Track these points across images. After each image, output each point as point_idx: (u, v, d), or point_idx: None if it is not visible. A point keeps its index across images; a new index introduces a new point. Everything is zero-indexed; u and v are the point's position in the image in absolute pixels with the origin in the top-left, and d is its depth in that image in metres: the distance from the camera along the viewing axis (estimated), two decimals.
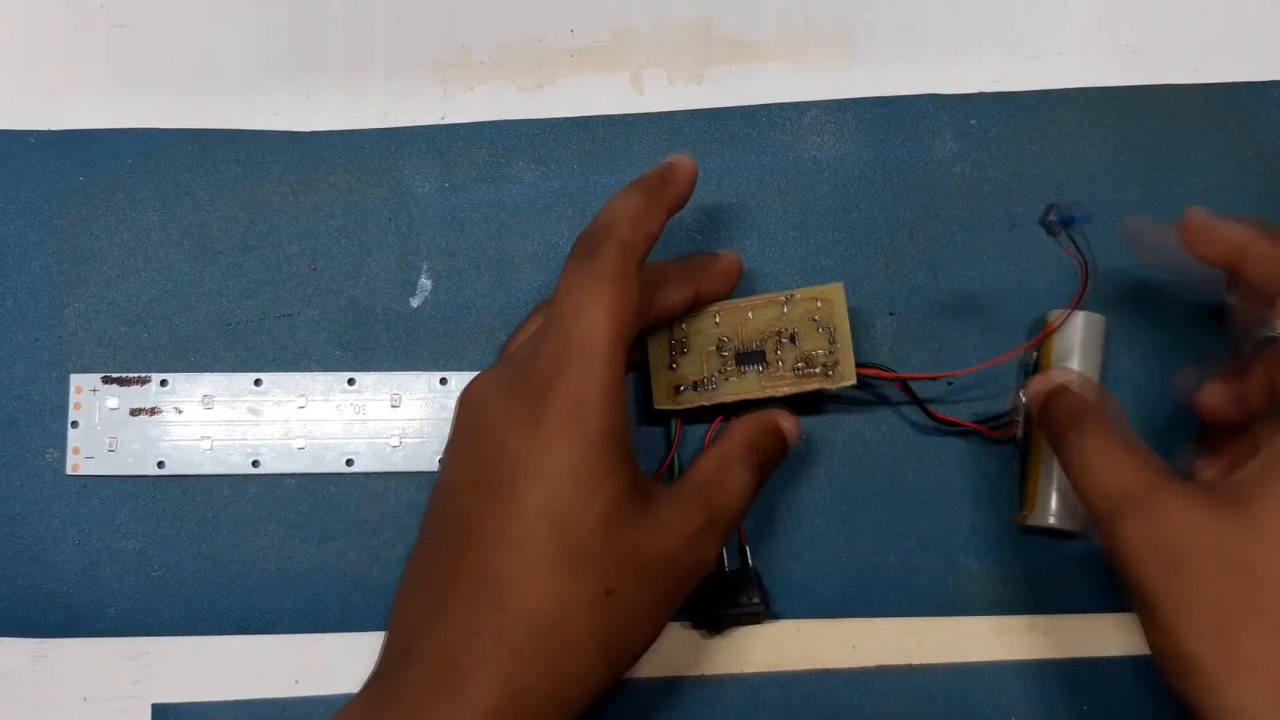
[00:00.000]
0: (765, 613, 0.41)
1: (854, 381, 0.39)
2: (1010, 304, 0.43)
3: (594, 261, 0.34)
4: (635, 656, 0.35)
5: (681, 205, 0.37)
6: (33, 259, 0.44)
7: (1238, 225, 0.36)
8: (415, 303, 0.44)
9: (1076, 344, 0.41)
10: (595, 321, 0.33)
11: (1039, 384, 0.39)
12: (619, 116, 0.44)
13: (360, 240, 0.44)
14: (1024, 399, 0.40)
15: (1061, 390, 0.38)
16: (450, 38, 0.45)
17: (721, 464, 0.37)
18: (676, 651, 0.42)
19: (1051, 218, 0.37)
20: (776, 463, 0.39)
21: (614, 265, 0.34)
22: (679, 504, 0.35)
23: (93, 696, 0.42)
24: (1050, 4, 0.45)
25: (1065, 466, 0.36)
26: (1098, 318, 0.41)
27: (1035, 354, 0.41)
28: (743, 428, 0.38)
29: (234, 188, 0.44)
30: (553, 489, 0.33)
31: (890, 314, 0.43)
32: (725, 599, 0.40)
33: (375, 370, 0.43)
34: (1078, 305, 0.39)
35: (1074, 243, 0.38)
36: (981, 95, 0.44)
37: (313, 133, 0.44)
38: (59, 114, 0.45)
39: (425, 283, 0.44)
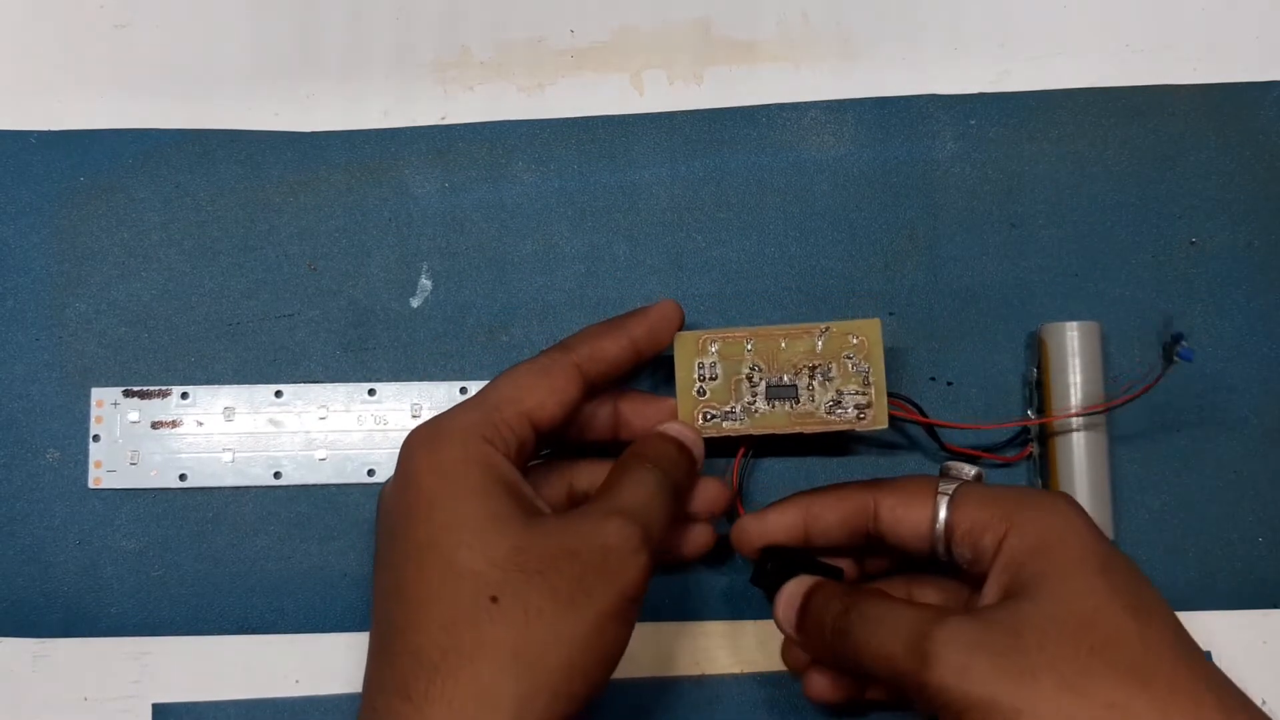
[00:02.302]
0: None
1: (885, 426, 0.39)
2: (1010, 304, 0.43)
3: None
4: (571, 673, 0.32)
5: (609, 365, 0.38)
6: (33, 259, 0.44)
7: (779, 510, 0.38)
8: (415, 303, 0.44)
9: (1074, 354, 0.41)
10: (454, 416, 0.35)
11: (791, 589, 0.37)
12: (619, 117, 0.44)
13: (360, 240, 0.44)
14: (1033, 417, 0.41)
15: (814, 588, 0.37)
16: (450, 38, 0.45)
17: (615, 467, 0.37)
18: (677, 652, 0.42)
19: (1178, 351, 0.37)
20: (678, 460, 0.38)
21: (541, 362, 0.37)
22: (571, 511, 0.35)
23: (93, 696, 0.42)
24: (1050, 4, 0.45)
25: (848, 643, 0.34)
26: (1092, 325, 0.41)
27: (1035, 370, 0.41)
28: (632, 446, 0.38)
29: (234, 188, 0.44)
30: (425, 526, 0.33)
31: (890, 314, 0.43)
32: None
33: (388, 378, 0.43)
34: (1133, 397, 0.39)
35: (1164, 367, 0.38)
36: (981, 95, 0.44)
37: (313, 133, 0.44)
38: (59, 114, 0.45)
39: (425, 283, 0.44)
